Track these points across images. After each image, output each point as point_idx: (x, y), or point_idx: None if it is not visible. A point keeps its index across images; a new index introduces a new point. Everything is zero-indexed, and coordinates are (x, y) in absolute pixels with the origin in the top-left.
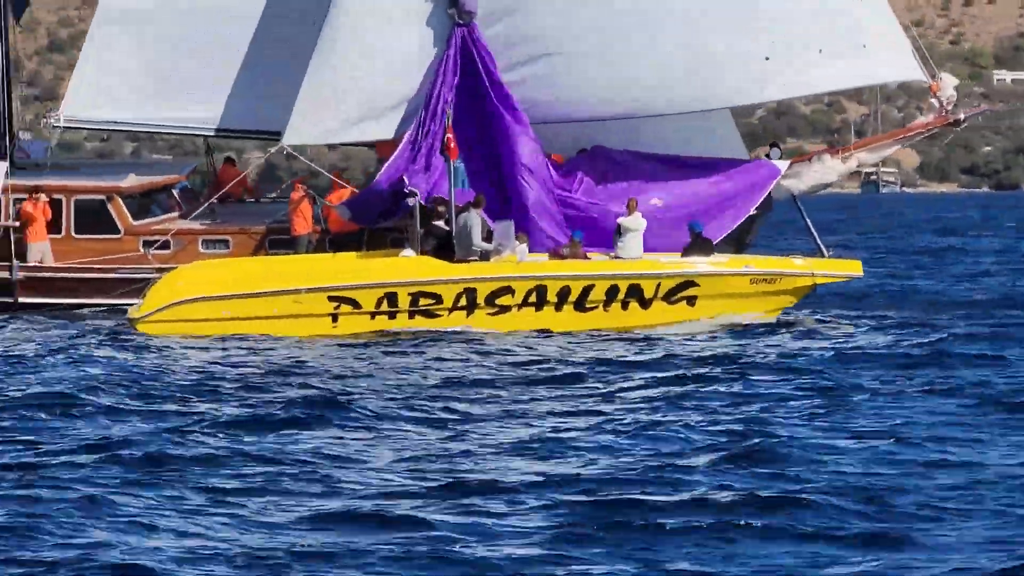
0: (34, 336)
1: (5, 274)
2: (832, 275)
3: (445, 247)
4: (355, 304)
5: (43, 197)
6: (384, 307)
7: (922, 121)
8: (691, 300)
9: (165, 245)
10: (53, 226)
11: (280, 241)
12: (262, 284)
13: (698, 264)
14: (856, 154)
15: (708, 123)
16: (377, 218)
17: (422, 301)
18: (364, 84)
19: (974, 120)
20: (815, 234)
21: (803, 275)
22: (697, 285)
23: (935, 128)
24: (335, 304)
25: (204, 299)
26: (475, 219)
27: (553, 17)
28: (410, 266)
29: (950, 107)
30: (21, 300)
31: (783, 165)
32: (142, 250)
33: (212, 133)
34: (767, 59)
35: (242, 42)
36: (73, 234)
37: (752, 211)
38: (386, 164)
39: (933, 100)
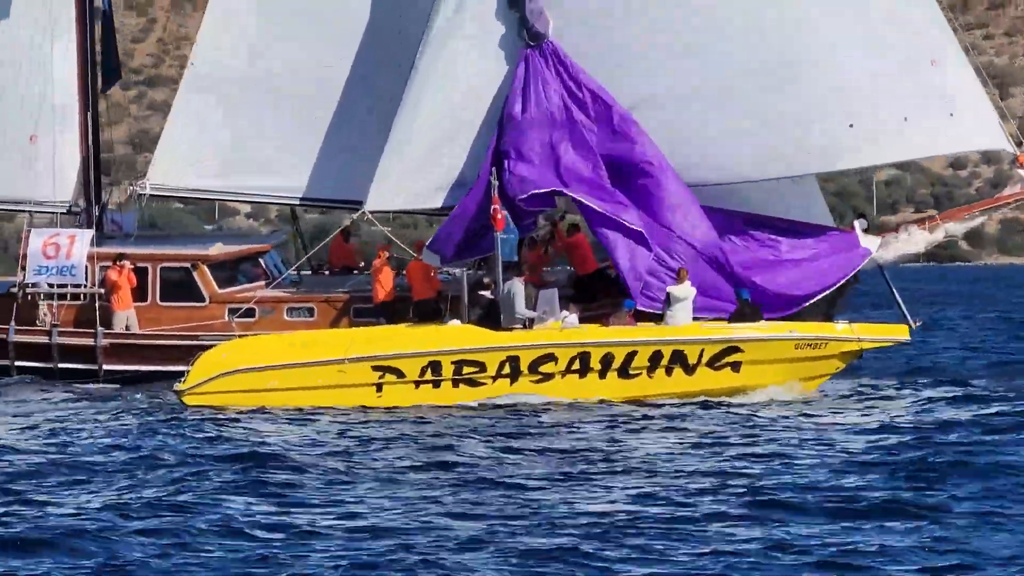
0: (75, 404)
1: (89, 341)
2: (879, 340)
3: (490, 316)
4: (399, 373)
5: (128, 264)
6: (428, 376)
7: (1008, 192)
8: (736, 366)
9: (250, 313)
10: (139, 294)
11: (364, 309)
12: (306, 354)
13: (742, 329)
14: (943, 225)
15: (799, 190)
16: (462, 252)
17: (466, 369)
18: (446, 151)
19: None
20: (900, 303)
21: (849, 340)
22: (741, 351)
23: (1021, 199)
24: (379, 374)
25: (249, 370)
26: (518, 287)
27: (640, 79)
28: (453, 334)
29: None
30: (105, 367)
31: (873, 244)
32: (227, 318)
33: (297, 202)
34: (851, 126)
35: (327, 111)
36: (159, 302)
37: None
38: (463, 197)
39: (1020, 170)
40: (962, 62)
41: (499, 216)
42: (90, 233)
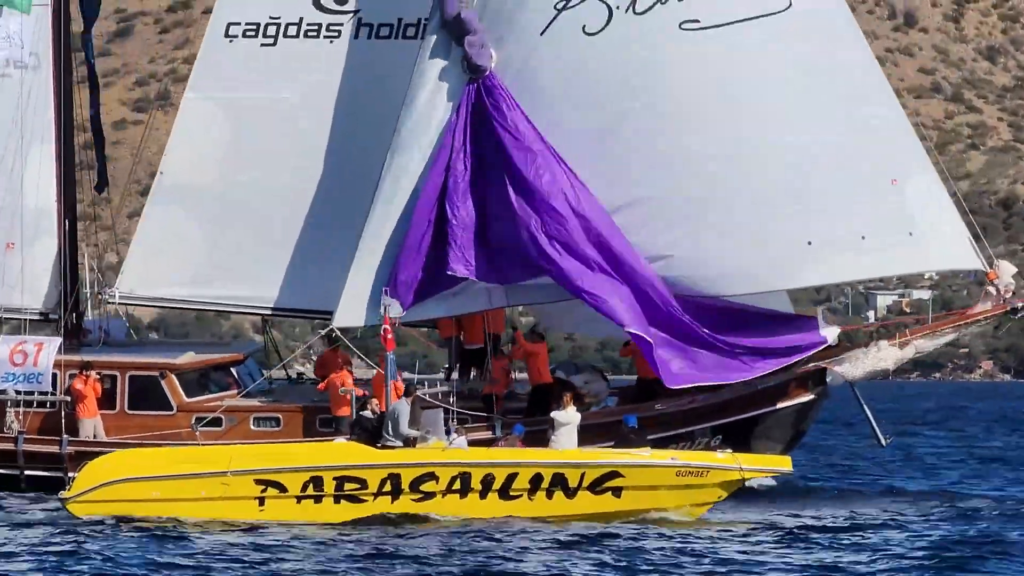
0: None
1: (55, 448)
2: (760, 470)
3: (375, 435)
4: (281, 488)
5: (93, 374)
6: (310, 491)
7: (979, 308)
8: (616, 491)
9: (216, 422)
10: (108, 402)
11: (329, 419)
12: (190, 466)
13: (623, 455)
14: (913, 341)
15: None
16: (423, 292)
17: (347, 486)
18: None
19: None
20: (872, 421)
21: (731, 469)
22: (623, 476)
23: (993, 316)
24: (262, 487)
25: (133, 480)
26: (403, 407)
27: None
28: (335, 451)
29: (1008, 295)
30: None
31: (831, 334)
32: (193, 427)
33: (267, 312)
34: (809, 243)
35: (296, 224)
36: (127, 410)
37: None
38: (406, 237)
39: (990, 288)
40: (929, 180)
41: (389, 336)
42: (57, 341)
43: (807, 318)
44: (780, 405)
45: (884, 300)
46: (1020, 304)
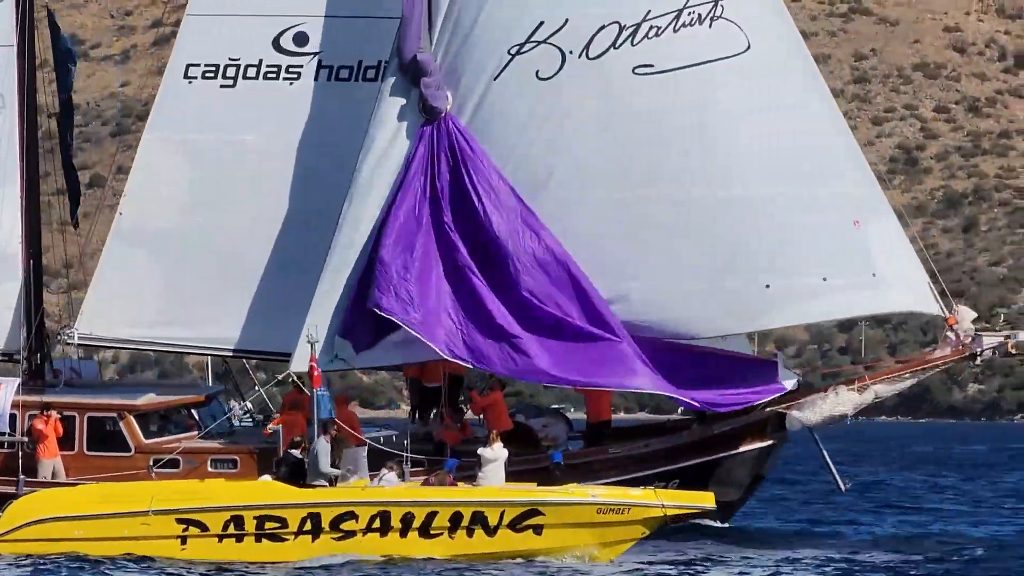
0: None
1: (11, 489)
2: (683, 507)
3: (298, 474)
4: (202, 527)
5: (54, 414)
6: (231, 530)
7: (939, 354)
8: (537, 528)
9: (174, 463)
10: (66, 442)
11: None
12: (112, 505)
13: (543, 492)
14: (872, 386)
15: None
16: (377, 334)
17: (268, 525)
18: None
19: None
20: (831, 466)
21: (653, 506)
22: (543, 514)
23: (951, 361)
24: (183, 526)
25: (56, 519)
26: (323, 446)
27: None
28: (256, 490)
29: (967, 340)
30: None
31: (790, 384)
32: (150, 469)
33: (228, 353)
34: (767, 287)
35: (255, 264)
36: (85, 451)
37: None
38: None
39: (949, 333)
40: (890, 223)
41: (316, 373)
42: (16, 381)
43: (769, 363)
44: (738, 450)
45: (989, 341)
46: (980, 350)
